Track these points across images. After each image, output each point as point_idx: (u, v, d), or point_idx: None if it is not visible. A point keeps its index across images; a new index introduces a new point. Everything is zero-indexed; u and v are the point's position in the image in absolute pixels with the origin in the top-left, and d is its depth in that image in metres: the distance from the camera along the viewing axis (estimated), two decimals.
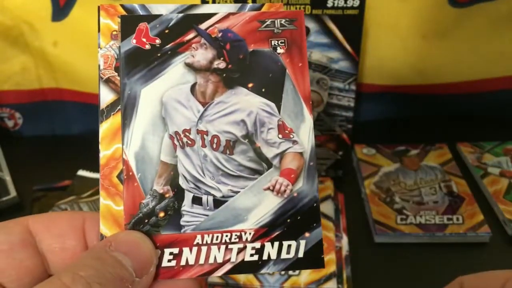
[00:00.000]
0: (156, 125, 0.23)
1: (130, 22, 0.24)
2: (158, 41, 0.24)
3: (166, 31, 0.24)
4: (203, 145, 0.23)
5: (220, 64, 0.24)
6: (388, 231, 0.45)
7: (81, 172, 0.54)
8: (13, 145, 0.59)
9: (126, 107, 0.23)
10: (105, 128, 0.24)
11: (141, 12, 0.24)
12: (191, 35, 0.24)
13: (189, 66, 0.24)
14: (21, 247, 0.22)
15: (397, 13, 0.53)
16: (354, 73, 0.49)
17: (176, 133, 0.23)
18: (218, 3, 0.47)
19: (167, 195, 0.23)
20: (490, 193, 0.49)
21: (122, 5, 0.24)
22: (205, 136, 0.23)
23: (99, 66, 0.24)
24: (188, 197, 0.23)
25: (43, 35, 0.55)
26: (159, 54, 0.24)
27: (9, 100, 0.60)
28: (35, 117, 0.61)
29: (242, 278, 0.40)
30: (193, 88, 0.24)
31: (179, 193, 0.23)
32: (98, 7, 0.24)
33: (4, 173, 0.53)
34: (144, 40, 0.24)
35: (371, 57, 0.55)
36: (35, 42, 0.55)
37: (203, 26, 0.24)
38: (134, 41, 0.24)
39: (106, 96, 0.24)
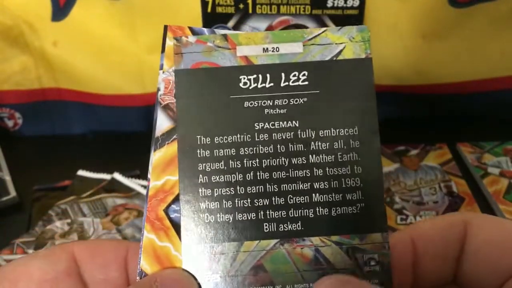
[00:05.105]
0: None
1: None
2: None
3: None
4: None
5: None
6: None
7: (81, 172, 0.54)
8: (13, 145, 0.59)
9: None
10: (158, 157, 0.22)
11: (207, 34, 0.23)
12: None
13: None
14: (66, 276, 0.21)
15: (397, 13, 0.53)
16: None
17: None
18: (218, 3, 0.47)
19: None
20: (490, 193, 0.49)
21: (190, 28, 0.23)
22: None
23: (158, 89, 0.23)
24: None
25: (43, 35, 0.55)
26: None
27: (9, 100, 0.60)
28: (35, 117, 0.61)
29: None
30: None
31: None
32: (165, 26, 0.23)
33: (4, 173, 0.53)
34: None
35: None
36: (35, 42, 0.55)
37: None
38: None
39: (163, 124, 0.23)
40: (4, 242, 0.44)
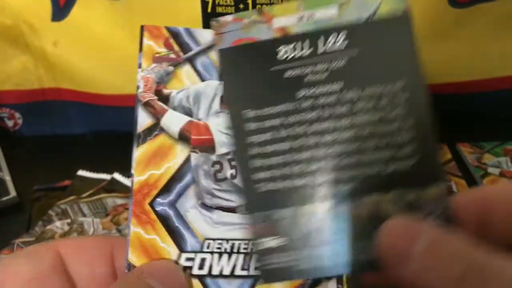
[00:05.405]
0: None
1: None
2: None
3: None
4: None
5: None
6: None
7: (81, 172, 0.54)
8: (13, 145, 0.59)
9: None
10: (140, 152, 0.23)
11: (184, 36, 0.24)
12: None
13: None
14: (53, 273, 0.22)
15: None
16: None
17: None
18: (218, 3, 0.47)
19: None
20: None
21: (166, 27, 0.24)
22: None
23: (138, 87, 0.24)
24: None
25: (43, 35, 0.55)
26: None
27: (9, 100, 0.60)
28: (35, 117, 0.61)
29: None
30: None
31: None
32: (142, 27, 0.24)
33: (4, 173, 0.53)
34: None
35: None
36: (35, 42, 0.55)
37: None
38: None
39: (144, 120, 0.24)
40: (4, 242, 0.44)
